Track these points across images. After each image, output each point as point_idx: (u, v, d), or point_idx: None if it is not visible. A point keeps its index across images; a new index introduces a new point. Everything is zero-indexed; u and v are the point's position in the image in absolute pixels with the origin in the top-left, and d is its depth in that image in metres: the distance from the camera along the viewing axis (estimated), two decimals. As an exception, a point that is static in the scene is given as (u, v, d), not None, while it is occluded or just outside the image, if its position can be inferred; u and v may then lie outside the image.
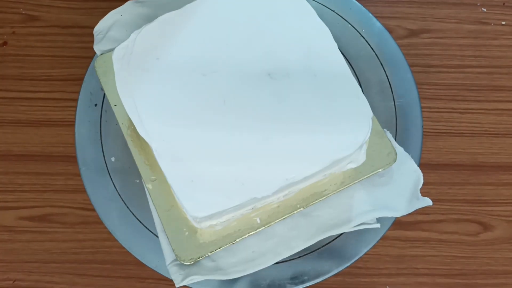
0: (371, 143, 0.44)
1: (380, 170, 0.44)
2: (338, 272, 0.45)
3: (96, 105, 0.49)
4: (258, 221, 0.42)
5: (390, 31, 0.53)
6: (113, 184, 0.47)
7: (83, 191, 0.47)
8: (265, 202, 0.42)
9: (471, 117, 0.55)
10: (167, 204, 0.43)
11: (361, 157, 0.43)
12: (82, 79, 0.50)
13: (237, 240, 0.42)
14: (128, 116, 0.42)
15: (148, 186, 0.43)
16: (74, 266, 0.50)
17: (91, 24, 0.58)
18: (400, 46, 0.52)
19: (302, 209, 0.43)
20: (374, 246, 0.46)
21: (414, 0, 0.59)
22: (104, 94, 0.49)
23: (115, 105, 0.45)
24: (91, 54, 0.51)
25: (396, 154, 0.44)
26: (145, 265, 0.45)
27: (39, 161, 0.53)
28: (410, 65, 0.51)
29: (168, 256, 0.43)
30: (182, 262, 0.41)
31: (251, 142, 0.40)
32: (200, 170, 0.40)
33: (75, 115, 0.49)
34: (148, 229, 0.46)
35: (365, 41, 0.52)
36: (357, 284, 0.50)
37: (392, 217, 0.46)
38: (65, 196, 0.51)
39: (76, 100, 0.50)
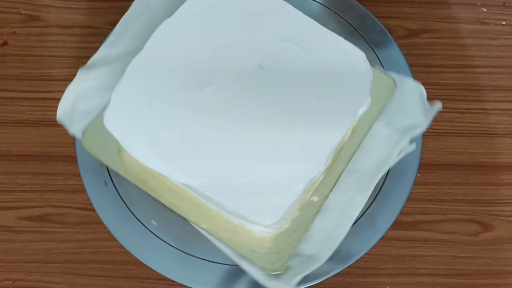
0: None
1: (388, 100, 0.45)
2: (338, 272, 0.45)
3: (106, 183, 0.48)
4: (316, 199, 0.43)
5: (390, 31, 0.53)
6: (113, 184, 0.47)
7: (83, 191, 0.47)
8: (312, 179, 0.42)
9: (471, 117, 0.55)
10: (230, 232, 0.43)
11: (367, 101, 0.44)
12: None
13: (309, 226, 0.42)
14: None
15: (204, 226, 0.43)
16: (74, 266, 0.50)
17: (91, 24, 0.58)
18: (400, 46, 0.52)
19: (344, 169, 0.44)
20: (374, 246, 0.46)
21: (415, 0, 0.59)
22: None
23: (126, 172, 0.44)
24: (91, 54, 0.51)
25: (394, 81, 0.46)
26: (145, 265, 0.45)
27: (39, 161, 0.53)
28: (410, 65, 0.51)
29: (260, 276, 0.42)
30: (276, 273, 0.41)
31: (271, 133, 0.41)
32: (242, 183, 0.40)
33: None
34: (148, 229, 0.46)
35: (365, 41, 0.52)
36: (357, 284, 0.50)
37: (393, 217, 0.46)
38: (65, 196, 0.51)
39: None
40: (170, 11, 0.45)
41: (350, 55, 0.44)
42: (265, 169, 0.40)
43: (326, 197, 0.43)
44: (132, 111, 0.42)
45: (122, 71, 0.43)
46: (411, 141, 0.47)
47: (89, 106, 0.46)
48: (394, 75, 0.48)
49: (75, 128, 0.46)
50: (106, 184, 0.47)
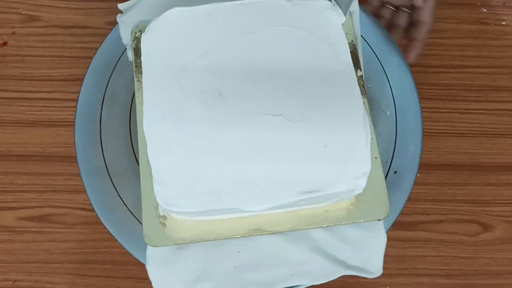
0: (369, 189, 0.42)
1: (370, 218, 0.43)
2: (338, 272, 0.45)
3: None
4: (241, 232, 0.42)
5: (390, 31, 0.53)
6: (113, 184, 0.47)
7: (83, 191, 0.47)
8: (255, 214, 0.41)
9: (471, 117, 0.55)
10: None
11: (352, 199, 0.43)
12: (82, 79, 0.50)
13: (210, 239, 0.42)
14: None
15: (141, 166, 0.42)
16: (74, 266, 0.50)
17: (91, 24, 0.58)
18: (400, 46, 0.52)
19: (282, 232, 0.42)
20: (374, 246, 0.46)
21: (414, 0, 0.59)
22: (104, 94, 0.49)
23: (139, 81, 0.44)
24: (91, 54, 0.51)
25: (389, 208, 0.42)
26: (145, 265, 0.45)
27: (39, 161, 0.53)
28: (410, 65, 0.51)
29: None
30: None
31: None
32: (197, 168, 0.40)
33: (75, 115, 0.49)
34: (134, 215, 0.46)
35: (365, 41, 0.52)
36: (357, 284, 0.50)
37: (393, 217, 0.46)
38: (65, 196, 0.51)
39: (76, 100, 0.50)
40: None
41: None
42: (219, 172, 0.40)
43: (247, 236, 0.42)
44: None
45: None
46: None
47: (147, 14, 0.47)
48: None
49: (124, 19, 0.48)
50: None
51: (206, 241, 0.42)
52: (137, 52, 0.45)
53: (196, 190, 0.40)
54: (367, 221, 0.42)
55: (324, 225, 0.42)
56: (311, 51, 0.44)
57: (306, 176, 0.41)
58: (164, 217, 0.42)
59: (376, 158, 0.43)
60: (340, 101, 0.43)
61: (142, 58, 0.44)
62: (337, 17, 0.45)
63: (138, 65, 0.45)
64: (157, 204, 0.41)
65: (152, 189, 0.41)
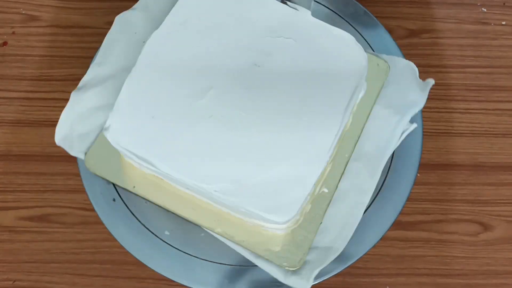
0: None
1: (384, 83, 0.46)
2: (338, 272, 0.45)
3: (114, 200, 0.48)
4: (326, 190, 0.43)
5: (390, 31, 0.53)
6: (113, 184, 0.47)
7: (83, 191, 0.47)
8: (321, 171, 0.42)
9: (471, 117, 0.55)
10: (245, 233, 0.43)
11: (364, 85, 0.45)
12: (82, 79, 0.50)
13: (322, 218, 0.43)
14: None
15: (218, 231, 0.43)
16: (74, 266, 0.50)
17: (91, 24, 0.58)
18: (400, 46, 0.52)
19: (349, 157, 0.45)
20: (374, 246, 0.46)
21: (414, 0, 0.59)
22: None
23: (134, 187, 0.45)
24: (91, 54, 0.51)
25: (386, 62, 0.47)
26: (145, 265, 0.45)
27: (39, 161, 0.53)
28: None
29: (279, 274, 0.42)
30: (294, 268, 0.42)
31: (275, 132, 0.42)
32: (255, 183, 0.40)
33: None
34: (148, 229, 0.46)
35: (365, 41, 0.52)
36: (357, 284, 0.50)
37: (393, 217, 0.46)
38: (65, 196, 0.51)
39: (76, 100, 0.50)
40: (152, 24, 0.46)
41: (341, 41, 0.44)
42: (274, 168, 0.40)
43: (336, 187, 0.44)
44: (135, 125, 0.42)
45: (117, 89, 0.43)
46: (411, 121, 0.47)
47: (88, 128, 0.47)
48: (385, 56, 0.49)
49: (75, 151, 0.46)
50: (114, 200, 0.47)
51: (320, 222, 0.43)
52: None
53: (283, 193, 0.40)
54: (382, 86, 0.47)
55: (365, 120, 0.46)
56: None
57: (332, 104, 0.42)
58: (280, 237, 0.43)
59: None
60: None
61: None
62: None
63: None
64: (263, 238, 0.43)
65: (249, 232, 0.43)
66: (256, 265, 0.43)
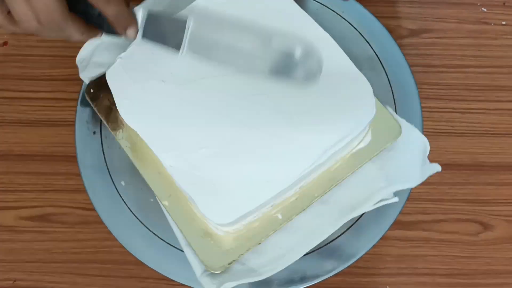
0: (375, 120, 0.43)
1: (388, 145, 0.44)
2: (338, 272, 0.45)
3: (94, 133, 0.49)
4: (280, 217, 0.42)
5: (390, 31, 0.53)
6: (113, 183, 0.47)
7: (84, 191, 0.47)
8: (283, 197, 0.42)
9: (471, 117, 0.55)
10: (187, 217, 0.43)
11: (368, 136, 0.44)
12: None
13: (263, 239, 0.42)
14: (131, 139, 0.43)
15: (165, 203, 0.43)
16: (75, 266, 0.50)
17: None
18: (400, 46, 0.52)
19: (319, 197, 0.43)
20: (374, 246, 0.46)
21: (415, 0, 0.59)
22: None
23: (115, 130, 0.45)
24: (92, 54, 0.51)
25: (400, 127, 0.44)
26: (146, 264, 0.45)
27: (39, 161, 0.53)
28: (411, 65, 0.51)
29: (198, 268, 0.42)
30: (212, 271, 0.41)
31: (258, 140, 0.41)
32: (215, 176, 0.40)
33: (75, 115, 0.49)
34: (148, 229, 0.46)
35: (365, 41, 0.52)
36: (357, 284, 0.50)
37: (393, 217, 0.46)
38: (66, 196, 0.52)
39: (76, 100, 0.50)
40: None
41: (357, 84, 0.43)
42: (242, 170, 0.40)
43: (291, 219, 0.42)
44: (133, 73, 0.43)
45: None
46: (395, 194, 0.44)
47: (104, 60, 0.47)
48: (403, 122, 0.45)
49: (85, 75, 0.47)
50: (94, 133, 0.49)
51: (258, 243, 0.42)
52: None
53: (234, 196, 0.40)
54: (385, 148, 0.44)
55: (352, 171, 0.43)
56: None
57: (323, 135, 0.41)
58: (218, 237, 0.42)
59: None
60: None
61: None
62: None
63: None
64: (203, 229, 0.42)
65: (193, 219, 0.42)
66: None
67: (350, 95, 0.42)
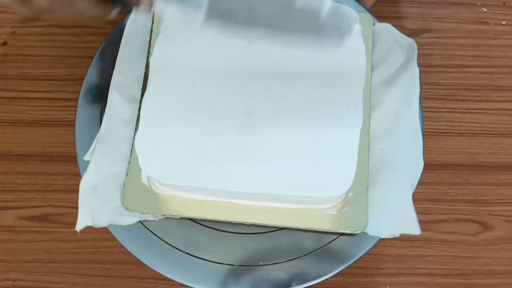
0: (352, 200, 0.45)
1: (348, 231, 0.44)
2: (338, 272, 0.45)
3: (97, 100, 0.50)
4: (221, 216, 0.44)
5: (390, 31, 0.53)
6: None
7: (83, 191, 0.47)
8: (243, 201, 0.44)
9: (471, 117, 0.55)
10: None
11: (333, 210, 0.45)
12: (82, 79, 0.50)
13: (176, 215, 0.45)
14: None
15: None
16: (74, 266, 0.50)
17: (91, 24, 0.58)
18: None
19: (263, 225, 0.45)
20: (374, 246, 0.46)
21: (415, 0, 0.59)
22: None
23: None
24: (91, 54, 0.51)
25: (366, 224, 0.44)
26: (145, 264, 0.45)
27: (39, 161, 0.53)
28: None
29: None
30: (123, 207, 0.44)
31: (248, 144, 0.43)
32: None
33: (75, 115, 0.49)
34: (148, 229, 0.46)
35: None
36: (357, 284, 0.50)
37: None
38: (65, 196, 0.51)
39: (76, 100, 0.50)
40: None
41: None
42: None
43: (224, 221, 0.45)
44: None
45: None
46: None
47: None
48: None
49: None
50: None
51: (182, 216, 0.45)
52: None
53: (182, 165, 0.42)
54: (345, 233, 0.45)
55: (300, 227, 0.44)
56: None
57: (292, 174, 0.42)
58: (146, 186, 0.44)
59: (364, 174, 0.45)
60: (338, 102, 0.44)
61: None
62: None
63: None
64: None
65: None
66: (257, 265, 0.44)
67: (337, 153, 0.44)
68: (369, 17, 0.50)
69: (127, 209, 0.44)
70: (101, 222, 0.45)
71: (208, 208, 0.44)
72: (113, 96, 0.47)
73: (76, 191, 0.51)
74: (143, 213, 0.45)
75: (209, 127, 0.43)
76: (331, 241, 0.46)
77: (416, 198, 0.51)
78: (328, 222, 0.44)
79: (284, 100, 0.44)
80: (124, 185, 0.45)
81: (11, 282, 0.50)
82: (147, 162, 0.43)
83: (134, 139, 0.45)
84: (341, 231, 0.44)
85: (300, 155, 0.43)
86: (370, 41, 0.48)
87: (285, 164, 0.42)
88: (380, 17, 0.53)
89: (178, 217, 0.45)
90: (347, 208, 0.44)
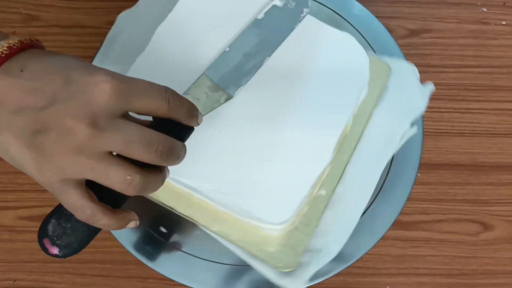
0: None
1: (385, 86, 0.46)
2: (338, 272, 0.45)
3: None
4: (324, 193, 0.43)
5: (390, 31, 0.53)
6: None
7: (83, 191, 0.47)
8: (321, 172, 0.42)
9: (471, 117, 0.55)
10: (240, 233, 0.43)
11: (365, 89, 0.45)
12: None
13: (318, 221, 0.43)
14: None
15: (214, 229, 0.43)
16: (74, 266, 0.50)
17: (91, 24, 0.58)
18: (400, 46, 0.52)
19: (348, 158, 0.44)
20: (374, 246, 0.46)
21: (414, 0, 0.59)
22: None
23: None
24: (91, 54, 0.51)
25: (388, 66, 0.46)
26: (145, 264, 0.45)
27: (39, 161, 0.53)
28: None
29: (272, 274, 0.42)
30: (288, 270, 0.42)
31: (278, 140, 0.41)
32: (252, 183, 0.40)
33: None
34: (148, 228, 0.46)
35: (365, 41, 0.52)
36: (357, 284, 0.50)
37: (393, 217, 0.46)
38: (65, 196, 0.51)
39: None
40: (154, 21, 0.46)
41: (343, 43, 0.44)
42: (273, 168, 0.40)
43: (333, 190, 0.43)
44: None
45: None
46: (412, 124, 0.47)
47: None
48: (386, 58, 0.48)
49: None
50: None
51: (316, 225, 0.43)
52: None
53: (280, 194, 0.40)
54: (383, 90, 0.46)
55: (366, 123, 0.45)
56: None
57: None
58: (276, 238, 0.42)
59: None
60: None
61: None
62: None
63: None
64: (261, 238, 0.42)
65: (245, 232, 0.42)
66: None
67: (341, 57, 0.44)
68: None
69: (291, 269, 0.42)
70: None
71: (315, 201, 0.43)
72: None
73: (76, 191, 0.51)
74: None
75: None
76: (331, 241, 0.46)
77: (416, 198, 0.52)
78: (369, 103, 0.45)
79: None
80: None
81: (11, 282, 0.50)
82: None
83: None
84: (381, 91, 0.45)
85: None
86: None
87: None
88: (380, 17, 0.53)
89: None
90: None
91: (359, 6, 0.53)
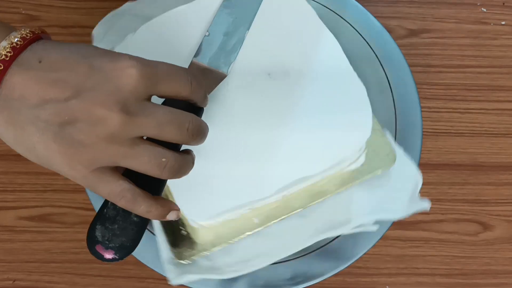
0: (371, 142, 0.43)
1: (379, 171, 0.44)
2: (338, 272, 0.45)
3: None
4: (256, 221, 0.42)
5: (390, 31, 0.53)
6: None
7: (83, 191, 0.47)
8: (264, 203, 0.42)
9: (471, 117, 0.55)
10: None
11: (361, 158, 0.43)
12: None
13: (234, 239, 0.42)
14: None
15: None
16: (74, 266, 0.50)
17: (91, 24, 0.58)
18: (400, 46, 0.52)
19: (300, 210, 0.42)
20: (374, 246, 0.46)
21: (414, 0, 0.59)
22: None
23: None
24: (91, 54, 0.51)
25: (395, 155, 0.44)
26: (145, 265, 0.45)
27: (39, 161, 0.53)
28: (410, 65, 0.51)
29: (165, 254, 0.42)
30: (179, 260, 0.41)
31: (250, 144, 0.41)
32: (199, 173, 0.39)
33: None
34: (147, 229, 0.46)
35: (364, 41, 0.52)
36: (357, 284, 0.50)
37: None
38: (65, 196, 0.51)
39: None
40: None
41: (358, 105, 0.43)
42: (227, 170, 0.40)
43: (266, 225, 0.42)
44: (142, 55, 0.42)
45: None
46: (376, 222, 0.43)
47: (116, 39, 0.47)
48: (400, 152, 0.45)
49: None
50: None
51: (228, 242, 0.42)
52: None
53: (208, 194, 0.40)
54: (376, 174, 0.43)
55: (340, 190, 0.43)
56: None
57: (317, 150, 0.41)
58: (192, 229, 0.42)
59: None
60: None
61: None
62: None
63: None
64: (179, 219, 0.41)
65: None
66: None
67: (348, 112, 0.42)
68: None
69: (180, 260, 0.42)
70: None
71: (244, 223, 0.42)
72: None
73: (76, 191, 0.51)
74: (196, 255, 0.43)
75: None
76: (331, 241, 0.46)
77: (416, 198, 0.51)
78: (357, 174, 0.43)
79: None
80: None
81: (11, 282, 0.50)
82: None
83: None
84: (372, 174, 0.43)
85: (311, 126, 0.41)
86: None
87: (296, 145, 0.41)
88: (380, 17, 0.53)
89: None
90: (368, 151, 0.43)
91: (358, 6, 0.53)
